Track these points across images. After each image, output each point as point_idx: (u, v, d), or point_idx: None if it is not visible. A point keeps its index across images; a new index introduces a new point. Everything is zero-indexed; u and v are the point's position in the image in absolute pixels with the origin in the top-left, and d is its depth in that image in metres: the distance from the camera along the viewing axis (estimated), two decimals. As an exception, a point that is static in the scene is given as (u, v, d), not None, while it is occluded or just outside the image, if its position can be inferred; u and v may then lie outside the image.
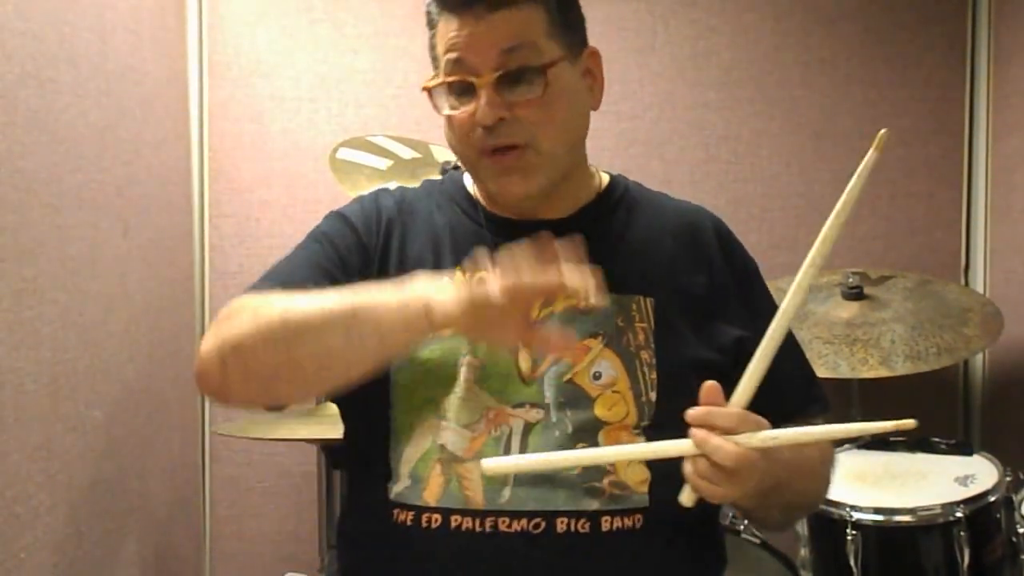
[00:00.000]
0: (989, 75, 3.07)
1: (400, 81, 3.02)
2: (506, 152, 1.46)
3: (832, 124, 3.14)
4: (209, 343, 1.34)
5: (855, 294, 2.71)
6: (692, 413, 1.28)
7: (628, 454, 1.39)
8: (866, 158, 1.25)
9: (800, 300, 1.30)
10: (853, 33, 3.13)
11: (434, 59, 1.50)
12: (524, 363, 1.45)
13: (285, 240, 3.00)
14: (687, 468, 1.28)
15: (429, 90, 1.49)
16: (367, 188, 2.49)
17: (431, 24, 1.49)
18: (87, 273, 2.16)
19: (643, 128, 3.11)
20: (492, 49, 1.42)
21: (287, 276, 1.44)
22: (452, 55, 1.45)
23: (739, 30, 3.12)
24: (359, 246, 1.53)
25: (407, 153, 2.61)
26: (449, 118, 1.49)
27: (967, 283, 3.13)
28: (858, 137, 3.14)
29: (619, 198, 1.61)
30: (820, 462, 1.55)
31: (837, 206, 1.27)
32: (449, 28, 1.44)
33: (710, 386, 1.29)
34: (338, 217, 1.57)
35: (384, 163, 2.61)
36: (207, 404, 3.05)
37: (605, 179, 1.64)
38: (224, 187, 3.06)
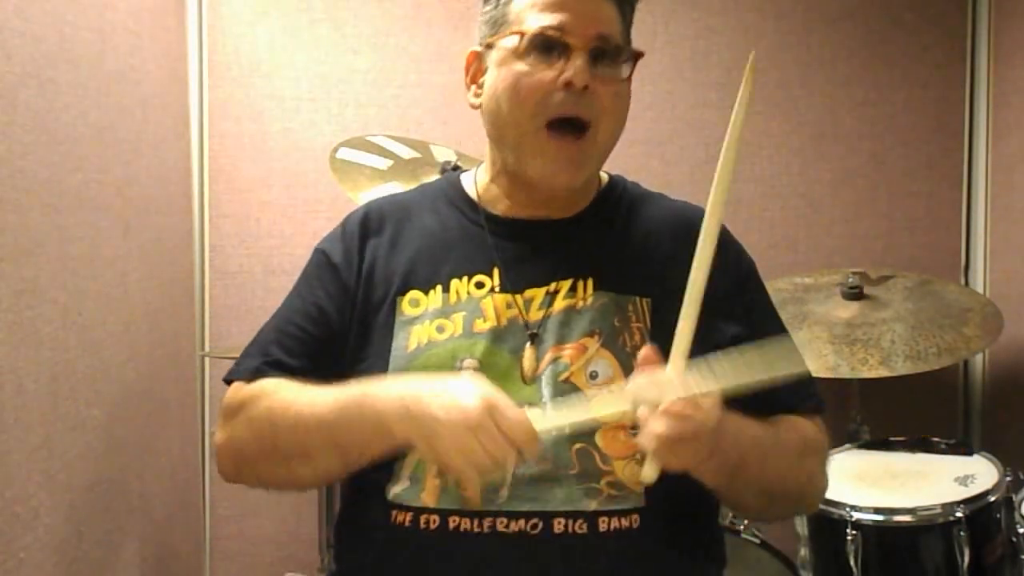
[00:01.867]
0: (989, 75, 3.07)
1: (400, 81, 3.02)
2: (568, 135, 1.47)
3: (832, 124, 3.14)
4: (219, 440, 1.52)
5: (855, 294, 2.71)
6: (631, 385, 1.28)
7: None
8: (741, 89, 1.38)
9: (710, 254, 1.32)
10: (853, 33, 3.13)
11: (498, 23, 1.51)
12: (528, 362, 1.45)
13: (285, 240, 3.04)
14: (642, 438, 1.26)
15: (491, 44, 1.51)
16: (367, 188, 2.50)
17: None
18: (87, 273, 2.16)
19: (643, 128, 3.10)
20: (592, 23, 1.47)
21: (273, 345, 1.55)
22: (552, 15, 1.46)
23: (739, 30, 3.12)
24: (340, 288, 1.55)
25: (407, 153, 2.61)
26: (517, 80, 1.47)
27: (967, 283, 3.13)
28: (858, 137, 3.14)
29: (618, 198, 1.62)
30: (799, 451, 1.51)
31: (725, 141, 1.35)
32: None
33: (647, 352, 1.29)
34: (320, 259, 1.60)
35: (384, 163, 2.61)
36: (207, 403, 3.06)
37: (604, 179, 1.65)
38: (224, 187, 3.07)
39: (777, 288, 2.81)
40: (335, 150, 2.60)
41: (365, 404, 1.36)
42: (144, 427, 2.53)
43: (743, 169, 3.13)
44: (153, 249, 2.61)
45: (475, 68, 1.56)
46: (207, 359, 3.04)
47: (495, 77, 1.50)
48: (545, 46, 1.46)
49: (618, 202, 1.61)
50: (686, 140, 3.12)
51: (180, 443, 2.89)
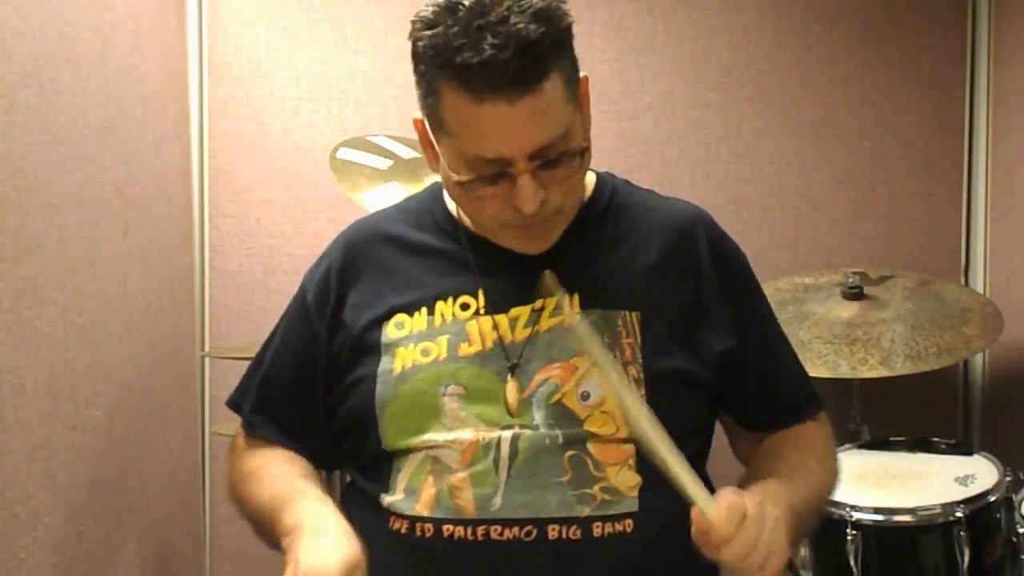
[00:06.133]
0: (989, 75, 3.07)
1: (400, 81, 3.01)
2: (531, 224, 1.43)
3: (832, 124, 3.14)
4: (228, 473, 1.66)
5: (855, 294, 2.71)
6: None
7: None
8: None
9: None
10: (853, 33, 3.13)
11: (436, 123, 1.40)
12: (511, 395, 1.44)
13: (285, 240, 3.04)
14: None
15: (462, 183, 1.40)
16: (367, 188, 2.50)
17: (430, 90, 1.37)
18: (87, 273, 2.16)
19: (643, 128, 3.11)
20: (526, 136, 1.34)
21: (261, 390, 1.63)
22: (486, 144, 1.35)
23: (739, 30, 3.12)
24: (309, 331, 1.58)
25: (407, 153, 2.61)
26: (465, 198, 1.44)
27: (967, 283, 3.13)
28: (858, 137, 3.14)
29: (605, 206, 1.58)
30: (822, 468, 1.57)
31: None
32: (468, 109, 1.33)
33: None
34: (300, 296, 1.63)
35: (384, 163, 2.61)
36: (207, 404, 3.06)
37: (590, 183, 1.60)
38: (224, 187, 3.06)
39: (777, 288, 2.81)
40: (335, 150, 2.60)
41: (277, 524, 1.44)
42: (144, 427, 2.53)
43: (743, 169, 3.14)
44: (153, 249, 2.61)
45: (424, 137, 1.47)
46: (207, 359, 3.04)
47: (443, 172, 1.44)
48: (486, 180, 1.39)
49: (604, 211, 1.57)
50: (686, 140, 3.13)
51: (180, 443, 2.89)
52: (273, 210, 3.08)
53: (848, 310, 2.69)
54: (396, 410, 1.46)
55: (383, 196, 2.43)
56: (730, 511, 1.26)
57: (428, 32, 1.33)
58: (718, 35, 3.12)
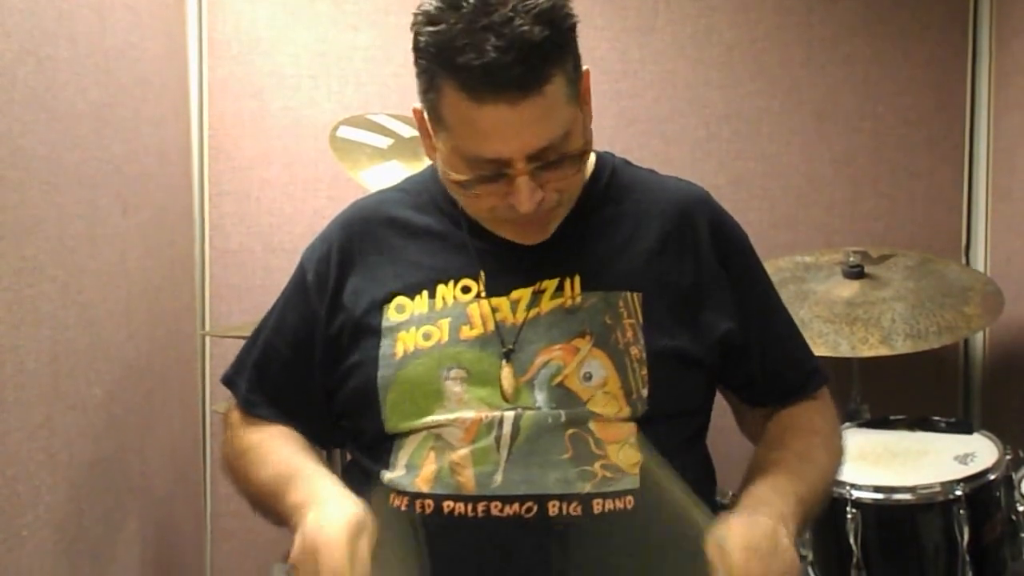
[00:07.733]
0: (991, 54, 3.06)
1: (401, 59, 2.98)
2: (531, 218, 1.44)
3: (833, 103, 3.13)
4: (221, 452, 1.66)
5: (856, 273, 2.71)
6: None
7: None
8: None
9: None
10: (855, 12, 3.12)
11: (436, 118, 1.40)
12: (506, 381, 1.44)
13: (285, 219, 3.04)
14: None
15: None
16: (368, 167, 2.50)
17: (431, 86, 1.37)
18: (86, 252, 2.16)
19: (644, 107, 3.10)
20: (526, 138, 1.34)
21: (258, 369, 1.62)
22: (479, 146, 1.36)
23: (740, 9, 3.11)
24: (309, 311, 1.58)
25: (408, 132, 2.60)
26: (462, 195, 1.44)
27: (968, 262, 3.12)
28: (859, 116, 3.13)
29: (604, 187, 1.58)
30: (826, 452, 1.58)
31: None
32: (468, 110, 1.33)
33: None
34: (298, 277, 1.62)
35: (385, 141, 2.60)
36: (207, 382, 3.06)
37: (590, 163, 1.59)
38: (224, 165, 3.06)
39: (778, 267, 2.81)
40: (335, 128, 2.60)
41: (281, 503, 1.48)
42: (145, 406, 2.53)
43: (744, 148, 3.13)
44: (153, 228, 2.61)
45: (423, 128, 1.46)
46: (207, 338, 3.04)
47: (440, 167, 1.45)
48: (484, 179, 1.39)
49: (604, 192, 1.57)
50: (687, 119, 3.12)
51: (181, 422, 2.89)
52: (273, 188, 3.07)
53: (849, 289, 2.69)
54: (398, 394, 1.47)
55: (383, 175, 2.43)
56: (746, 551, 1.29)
57: (431, 28, 1.33)
58: (719, 14, 3.11)
